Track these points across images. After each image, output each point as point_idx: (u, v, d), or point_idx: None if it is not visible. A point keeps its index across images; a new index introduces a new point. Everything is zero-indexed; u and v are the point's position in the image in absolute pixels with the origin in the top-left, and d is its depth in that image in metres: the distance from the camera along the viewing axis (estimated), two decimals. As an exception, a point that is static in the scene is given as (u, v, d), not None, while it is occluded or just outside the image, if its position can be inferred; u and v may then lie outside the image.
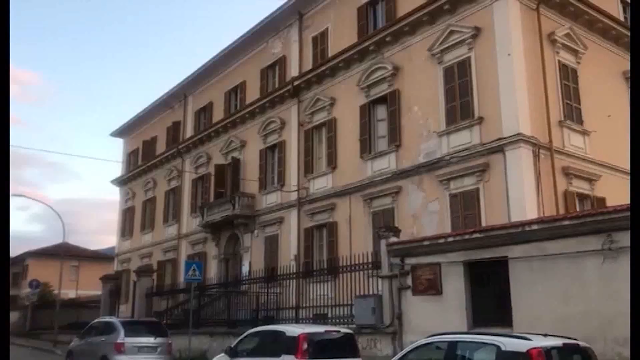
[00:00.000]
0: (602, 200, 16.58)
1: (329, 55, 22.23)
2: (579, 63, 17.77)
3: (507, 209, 14.96)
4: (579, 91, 17.47)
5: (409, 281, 12.40)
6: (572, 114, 17.13)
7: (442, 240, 11.98)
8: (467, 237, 11.45)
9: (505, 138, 15.46)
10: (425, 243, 12.36)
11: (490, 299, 11.11)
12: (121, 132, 39.58)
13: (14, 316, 40.17)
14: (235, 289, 19.84)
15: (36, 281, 33.29)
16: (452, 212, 16.70)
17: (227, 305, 19.15)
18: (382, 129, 19.89)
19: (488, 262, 11.03)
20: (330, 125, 21.77)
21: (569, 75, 17.34)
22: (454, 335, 7.80)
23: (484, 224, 14.87)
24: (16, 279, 57.90)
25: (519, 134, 15.21)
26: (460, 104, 16.96)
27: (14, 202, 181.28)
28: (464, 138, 16.74)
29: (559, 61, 17.17)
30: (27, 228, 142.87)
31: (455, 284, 11.44)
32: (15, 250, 67.36)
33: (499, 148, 15.63)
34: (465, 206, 16.37)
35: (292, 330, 10.38)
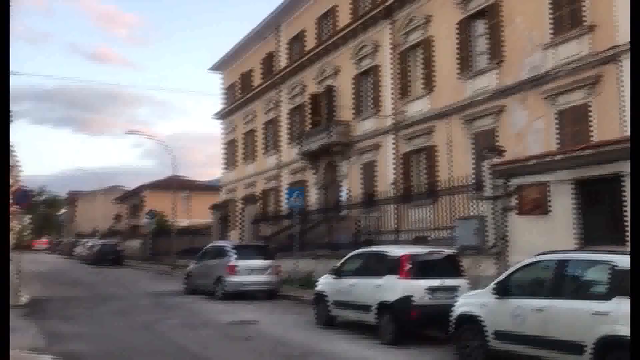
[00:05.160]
0: None
1: (423, -30, 21.09)
2: None
3: (622, 123, 13.90)
4: None
5: (513, 202, 12.06)
6: (702, 13, 15.24)
7: (549, 159, 11.44)
8: (577, 153, 10.83)
9: (620, 46, 14.14)
10: (531, 162, 11.87)
11: (602, 218, 10.60)
12: (219, 67, 40.60)
13: (136, 243, 44.12)
14: (335, 214, 20.36)
15: (153, 211, 35.91)
16: (559, 129, 15.83)
17: (328, 229, 19.74)
18: (481, 45, 18.89)
19: (600, 179, 10.44)
20: (426, 45, 20.98)
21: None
22: (564, 253, 7.56)
23: (595, 140, 13.97)
24: (135, 210, 63.08)
25: (637, 40, 13.83)
26: (568, 11, 15.62)
27: (129, 140, 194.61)
28: (573, 49, 15.52)
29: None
30: (141, 163, 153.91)
31: (563, 203, 10.99)
32: (132, 184, 73.04)
33: (612, 57, 14.37)
34: (574, 122, 15.42)
35: (395, 251, 10.55)
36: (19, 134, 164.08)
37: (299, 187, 22.40)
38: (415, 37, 21.62)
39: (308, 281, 17.64)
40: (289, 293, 16.96)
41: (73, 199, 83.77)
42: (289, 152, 30.74)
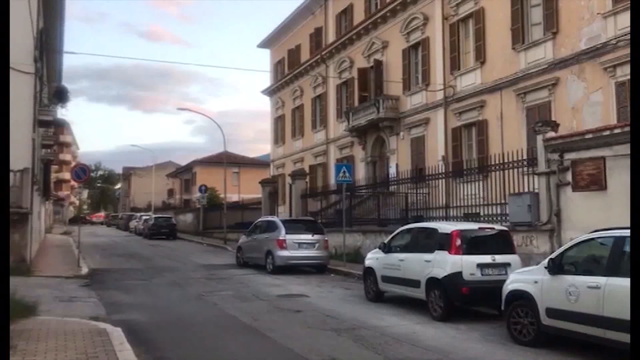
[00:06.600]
0: None
1: (475, -62, 20.37)
2: None
3: (688, 95, 13.21)
4: None
5: (568, 177, 11.71)
6: None
7: (607, 132, 11.01)
8: (637, 127, 10.38)
9: (688, 12, 13.36)
10: (588, 136, 11.46)
11: (664, 194, 10.16)
12: (267, 43, 40.68)
13: (188, 217, 45.30)
14: (383, 190, 20.28)
15: (204, 186, 36.66)
16: (618, 102, 15.18)
17: (376, 205, 19.71)
18: (536, 15, 18.21)
19: (663, 154, 9.98)
20: (478, 16, 20.38)
21: None
22: (622, 230, 7.30)
23: (658, 113, 13.33)
24: (187, 185, 64.64)
25: None
26: (631, -23, 14.82)
27: (181, 117, 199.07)
28: (636, 17, 14.75)
29: None
30: (193, 140, 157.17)
31: (622, 179, 10.56)
32: (185, 159, 74.75)
33: (679, 25, 13.59)
34: (635, 95, 14.72)
35: (445, 227, 10.45)
36: (77, 111, 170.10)
37: (346, 163, 22.37)
38: (466, 9, 21.03)
39: (356, 256, 17.75)
40: (337, 267, 17.11)
41: (128, 174, 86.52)
42: (336, 127, 30.68)
